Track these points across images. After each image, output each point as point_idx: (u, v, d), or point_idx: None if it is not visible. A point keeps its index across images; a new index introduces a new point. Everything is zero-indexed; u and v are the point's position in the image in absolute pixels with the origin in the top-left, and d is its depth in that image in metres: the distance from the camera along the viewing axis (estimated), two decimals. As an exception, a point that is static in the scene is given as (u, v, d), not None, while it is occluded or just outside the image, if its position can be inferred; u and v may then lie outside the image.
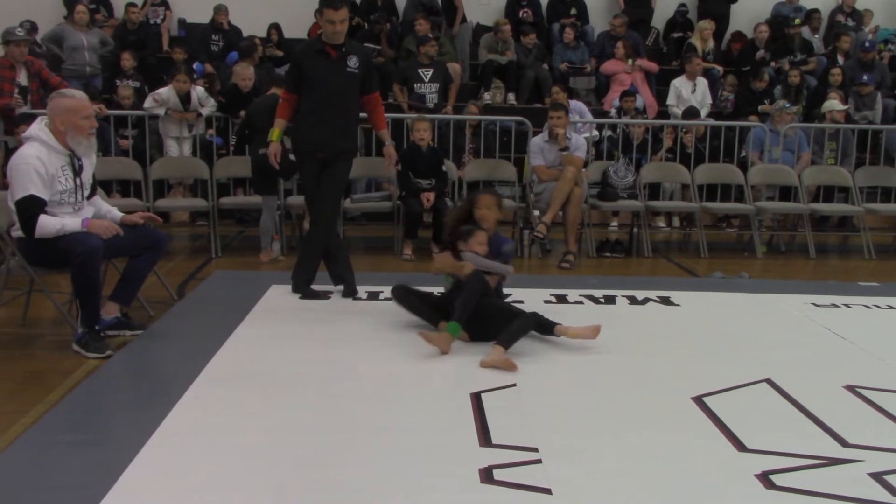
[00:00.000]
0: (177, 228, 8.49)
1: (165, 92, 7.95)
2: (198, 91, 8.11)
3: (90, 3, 10.52)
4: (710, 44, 11.12)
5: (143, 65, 9.82)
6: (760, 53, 10.86)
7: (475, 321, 4.46)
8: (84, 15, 9.84)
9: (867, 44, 10.85)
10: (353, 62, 5.38)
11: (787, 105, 9.11)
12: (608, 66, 10.57)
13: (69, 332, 4.54)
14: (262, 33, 10.65)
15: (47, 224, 4.27)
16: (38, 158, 4.28)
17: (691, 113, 9.30)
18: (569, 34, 10.91)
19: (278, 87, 6.68)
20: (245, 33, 10.49)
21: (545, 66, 10.65)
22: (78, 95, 4.56)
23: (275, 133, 5.49)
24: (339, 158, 5.44)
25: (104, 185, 6.87)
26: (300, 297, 5.49)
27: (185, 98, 7.94)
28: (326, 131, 5.35)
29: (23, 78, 7.35)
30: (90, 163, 4.59)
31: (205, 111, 8.01)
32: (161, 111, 7.88)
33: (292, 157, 5.92)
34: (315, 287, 5.59)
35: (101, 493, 2.69)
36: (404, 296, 4.84)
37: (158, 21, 11.04)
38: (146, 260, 4.68)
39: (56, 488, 2.75)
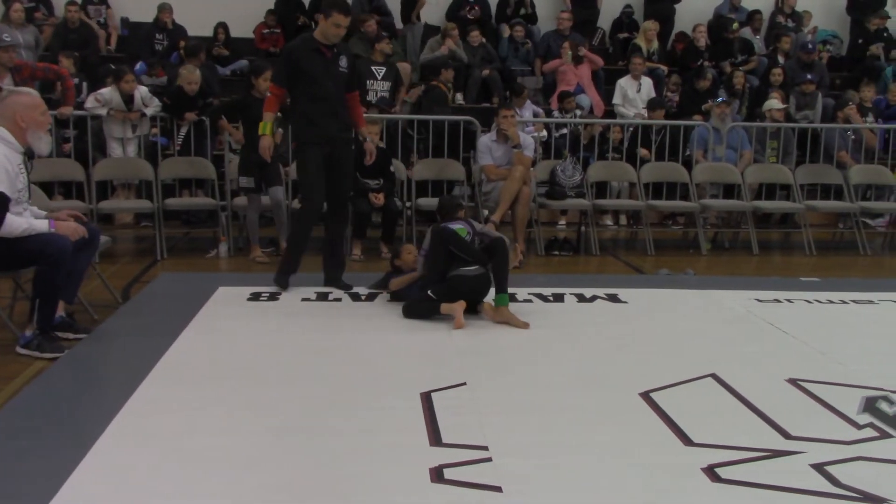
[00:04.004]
0: (121, 230, 8.35)
1: (108, 92, 7.80)
2: (141, 91, 7.97)
3: (29, 2, 10.30)
4: (655, 44, 11.27)
5: (84, 64, 9.63)
6: (702, 60, 11.01)
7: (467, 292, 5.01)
8: (20, 13, 9.62)
9: (809, 45, 11.09)
10: (343, 62, 5.67)
11: (722, 98, 9.26)
12: (553, 64, 10.65)
13: (9, 337, 4.44)
14: (207, 32, 10.54)
15: (13, 223, 4.20)
16: (5, 156, 4.23)
17: (656, 104, 9.39)
18: (519, 31, 10.98)
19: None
20: (190, 32, 10.36)
21: (488, 71, 10.64)
22: (33, 93, 4.54)
23: (268, 127, 5.64)
24: (344, 151, 5.73)
25: (45, 187, 6.73)
26: (281, 289, 5.68)
27: (129, 98, 7.81)
28: (331, 123, 5.62)
29: (7, 83, 7.14)
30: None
31: (149, 111, 7.88)
32: (103, 111, 7.74)
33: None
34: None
35: (44, 501, 2.63)
36: (415, 311, 5.05)
37: (101, 20, 10.86)
38: (84, 254, 4.60)
39: (-3, 497, 2.70)
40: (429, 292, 5.03)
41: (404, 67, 10.00)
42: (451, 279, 5.00)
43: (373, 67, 9.34)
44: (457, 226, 5.23)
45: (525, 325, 4.88)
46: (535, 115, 9.68)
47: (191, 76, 7.83)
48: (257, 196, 7.00)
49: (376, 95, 9.25)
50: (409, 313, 5.03)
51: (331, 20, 5.49)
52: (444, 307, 4.90)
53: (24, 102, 4.36)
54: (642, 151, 8.73)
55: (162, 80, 9.45)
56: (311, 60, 5.54)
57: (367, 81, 9.32)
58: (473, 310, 5.02)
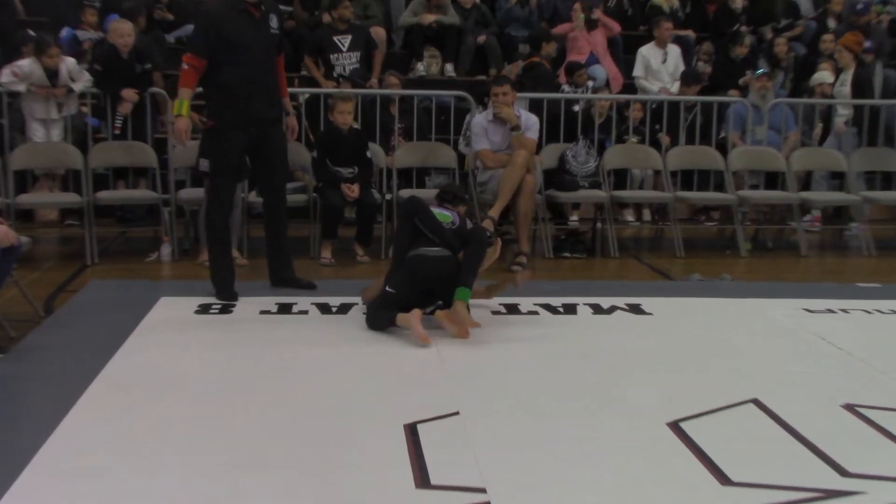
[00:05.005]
0: (43, 230, 8.31)
1: (27, 64, 7.75)
2: (68, 63, 7.92)
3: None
4: (675, 2, 11.29)
5: (-2, 32, 9.59)
6: (738, 24, 11.02)
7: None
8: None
9: (860, 5, 11.11)
10: (274, 22, 5.69)
11: (762, 70, 9.26)
12: (562, 29, 10.63)
13: None
14: (148, -8, 10.49)
15: None
16: None
17: (692, 77, 9.37)
18: None
19: None
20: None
21: (484, 37, 10.62)
22: None
23: (184, 105, 5.61)
24: (273, 131, 5.77)
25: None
26: (225, 301, 5.66)
27: (53, 73, 7.76)
28: (260, 101, 5.64)
29: None
30: None
31: (77, 87, 7.84)
32: (22, 87, 7.69)
33: None
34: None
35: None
36: (374, 321, 5.07)
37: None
38: (4, 261, 4.57)
39: None
40: (387, 288, 5.05)
41: (377, 32, 9.95)
42: (409, 260, 5.01)
43: (335, 39, 9.30)
44: (440, 210, 5.27)
45: (465, 334, 4.83)
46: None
47: (122, 27, 7.81)
48: None
49: (345, 70, 9.21)
50: (370, 324, 5.06)
51: None
52: (400, 318, 4.87)
53: None
54: (663, 138, 8.71)
55: (99, 34, 9.42)
56: (238, 25, 5.53)
57: (331, 56, 9.28)
58: (446, 304, 4.98)
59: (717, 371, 4.52)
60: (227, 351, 4.71)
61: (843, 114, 9.21)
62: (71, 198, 7.56)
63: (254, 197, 7.30)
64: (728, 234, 8.69)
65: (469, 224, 5.38)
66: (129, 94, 7.74)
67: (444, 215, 5.24)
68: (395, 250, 5.23)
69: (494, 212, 7.14)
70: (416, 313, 4.79)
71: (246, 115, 5.60)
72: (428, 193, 8.15)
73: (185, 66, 5.59)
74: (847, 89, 9.22)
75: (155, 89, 8.01)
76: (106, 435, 3.54)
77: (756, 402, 4.03)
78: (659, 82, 10.04)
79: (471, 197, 7.81)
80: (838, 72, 9.57)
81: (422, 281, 4.96)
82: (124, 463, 3.27)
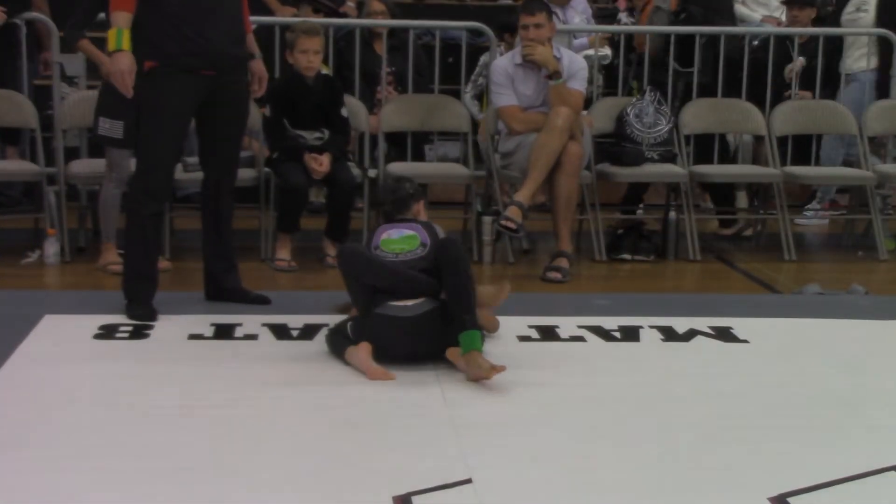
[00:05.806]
0: None
1: None
2: None
3: None
4: None
5: None
6: None
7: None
8: None
9: None
10: None
11: None
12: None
13: None
14: None
15: None
16: None
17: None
18: None
19: None
20: None
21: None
22: None
23: (123, 36, 5.56)
24: (233, 80, 5.80)
25: None
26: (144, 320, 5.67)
27: None
28: (219, 32, 5.65)
29: None
30: None
31: None
32: None
33: None
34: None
35: None
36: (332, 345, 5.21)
37: None
38: None
39: None
40: (347, 326, 5.16)
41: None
42: (376, 320, 5.04)
43: None
44: (399, 234, 5.29)
45: (488, 375, 4.77)
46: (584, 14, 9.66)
47: None
48: (126, 156, 6.93)
49: None
50: (332, 347, 5.20)
51: None
52: (350, 353, 4.96)
53: None
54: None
55: None
56: None
57: None
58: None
59: (843, 424, 4.51)
60: (142, 393, 4.69)
61: None
62: None
63: (181, 172, 7.30)
64: (861, 229, 8.69)
65: (441, 233, 5.40)
66: None
67: (405, 239, 5.27)
68: (351, 300, 5.32)
69: (523, 196, 7.13)
70: (364, 347, 4.89)
71: (200, 52, 5.59)
72: (424, 170, 8.20)
73: None
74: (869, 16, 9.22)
75: (34, 14, 8.00)
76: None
77: (901, 468, 4.05)
78: (763, 8, 10.02)
79: (490, 173, 7.82)
80: None
81: (392, 346, 5.02)
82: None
